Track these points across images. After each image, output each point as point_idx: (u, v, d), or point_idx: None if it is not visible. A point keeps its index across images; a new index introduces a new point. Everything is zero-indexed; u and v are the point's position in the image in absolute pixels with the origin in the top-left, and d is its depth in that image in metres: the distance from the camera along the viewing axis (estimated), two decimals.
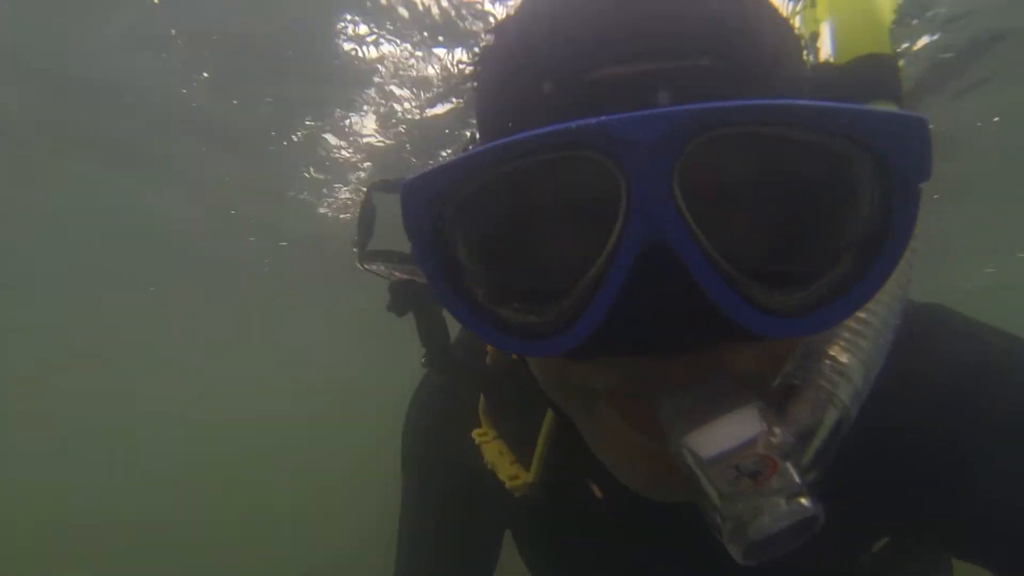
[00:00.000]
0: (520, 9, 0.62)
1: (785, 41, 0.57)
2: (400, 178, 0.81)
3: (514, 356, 0.81)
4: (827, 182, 0.50)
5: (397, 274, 0.92)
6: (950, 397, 0.71)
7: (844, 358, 0.54)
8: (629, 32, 0.51)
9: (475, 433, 0.94)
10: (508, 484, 0.86)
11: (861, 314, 0.56)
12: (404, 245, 0.60)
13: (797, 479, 0.47)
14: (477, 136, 0.69)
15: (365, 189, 0.94)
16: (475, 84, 0.67)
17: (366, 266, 0.94)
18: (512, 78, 0.57)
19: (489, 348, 0.95)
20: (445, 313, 0.88)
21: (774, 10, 0.59)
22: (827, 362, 0.54)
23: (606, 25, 0.52)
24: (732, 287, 0.48)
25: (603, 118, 0.45)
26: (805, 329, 0.50)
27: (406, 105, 4.91)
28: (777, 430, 0.50)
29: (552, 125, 0.46)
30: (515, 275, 0.56)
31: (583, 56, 0.52)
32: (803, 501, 0.46)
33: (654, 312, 0.48)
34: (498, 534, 1.15)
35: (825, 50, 0.68)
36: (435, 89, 4.61)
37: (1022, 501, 0.65)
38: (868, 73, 0.62)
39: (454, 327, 0.91)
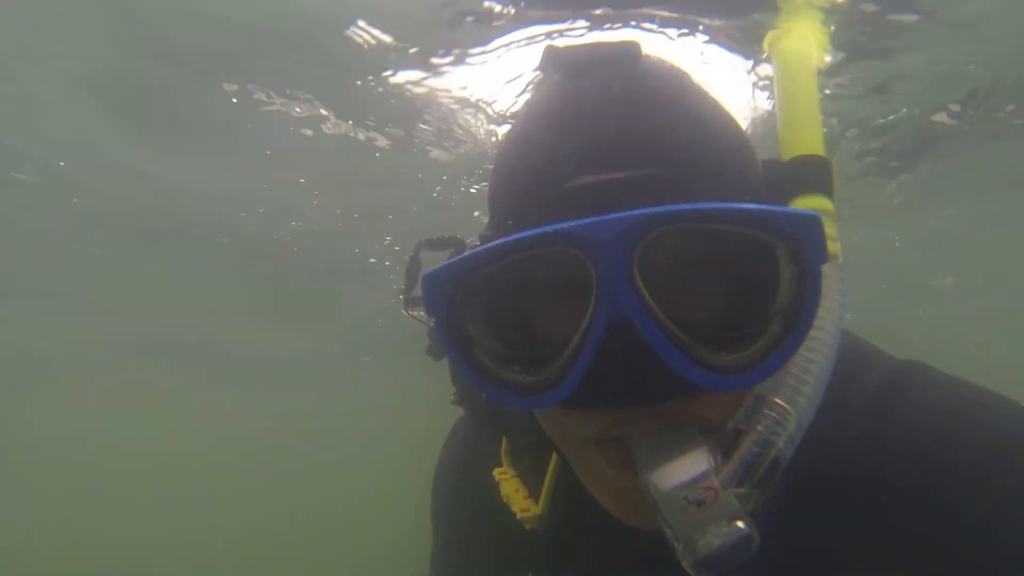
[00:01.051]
0: (518, 123, 0.77)
1: (733, 146, 0.71)
2: (441, 237, 0.97)
3: None
4: (751, 265, 0.63)
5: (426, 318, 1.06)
6: (919, 452, 0.74)
7: (784, 405, 0.65)
8: (598, 147, 0.66)
9: (496, 472, 1.04)
10: (520, 515, 0.96)
11: (800, 362, 0.67)
12: None
13: (736, 505, 0.58)
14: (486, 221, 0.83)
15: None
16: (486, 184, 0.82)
17: (410, 312, 1.08)
18: (509, 183, 0.72)
19: None
20: None
21: (727, 120, 0.73)
22: (767, 411, 0.65)
23: (580, 144, 0.67)
24: (682, 351, 0.60)
25: (572, 223, 0.59)
26: (744, 382, 0.62)
27: None
28: (723, 468, 0.61)
29: (536, 228, 0.60)
30: (512, 345, 0.69)
31: (562, 169, 0.66)
32: (740, 524, 0.57)
33: (622, 373, 0.61)
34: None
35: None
36: None
37: (989, 555, 0.68)
38: (805, 170, 0.75)
39: None
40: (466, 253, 0.65)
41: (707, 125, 0.69)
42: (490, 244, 0.63)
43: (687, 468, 0.61)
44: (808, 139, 0.78)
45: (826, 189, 0.75)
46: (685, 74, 0.76)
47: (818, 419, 0.69)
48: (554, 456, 0.96)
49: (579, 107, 0.68)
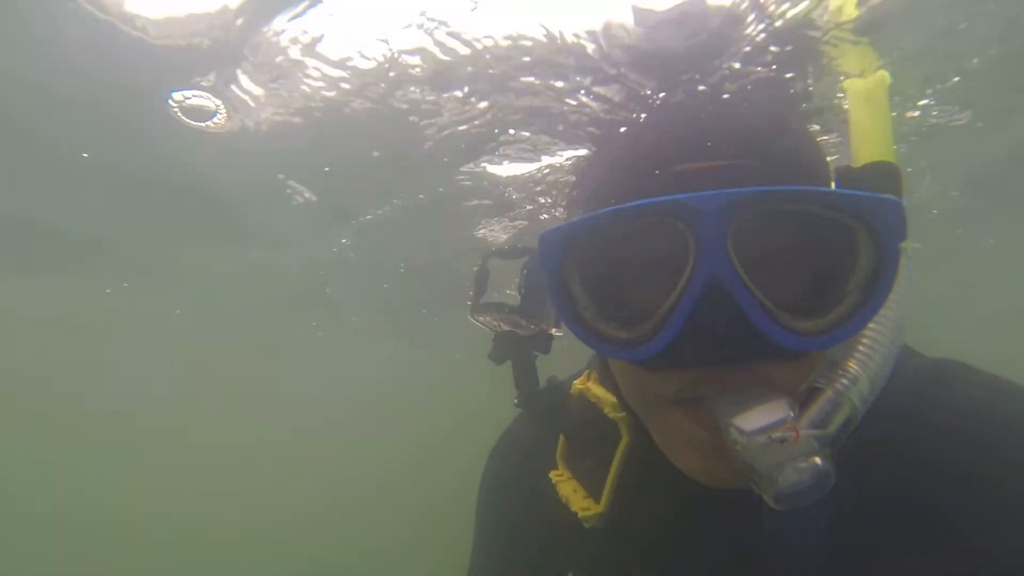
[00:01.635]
0: (627, 120, 0.89)
1: (813, 147, 0.81)
2: (514, 246, 1.08)
3: (604, 372, 0.99)
4: (835, 242, 0.72)
5: (503, 327, 1.13)
6: (961, 433, 0.81)
7: (856, 368, 0.74)
8: (698, 140, 0.77)
9: (552, 474, 1.09)
10: (581, 515, 1.01)
11: (870, 334, 0.76)
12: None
13: (815, 445, 0.66)
14: (578, 197, 0.93)
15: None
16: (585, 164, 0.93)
17: (477, 318, 1.17)
18: (615, 170, 0.83)
19: (571, 393, 1.11)
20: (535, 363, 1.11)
21: (803, 125, 0.83)
22: (840, 372, 0.74)
23: (684, 135, 0.78)
24: (769, 315, 0.69)
25: (680, 195, 0.69)
26: (822, 345, 0.71)
27: None
28: (801, 416, 0.70)
29: (653, 198, 0.70)
30: (613, 303, 0.79)
31: (671, 156, 0.77)
32: (817, 460, 0.65)
33: (712, 334, 0.70)
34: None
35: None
36: None
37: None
38: (876, 174, 0.84)
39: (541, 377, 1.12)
40: (583, 216, 0.75)
41: (791, 126, 0.80)
42: (606, 209, 0.72)
43: (770, 412, 0.69)
44: (879, 147, 0.88)
45: (896, 190, 0.84)
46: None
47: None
48: (617, 456, 1.01)
49: (684, 104, 0.80)
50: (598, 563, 1.13)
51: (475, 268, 1.18)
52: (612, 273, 0.79)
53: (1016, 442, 0.79)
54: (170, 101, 3.27)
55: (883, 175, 0.84)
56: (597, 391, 1.05)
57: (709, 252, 0.69)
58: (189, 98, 3.24)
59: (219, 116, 3.40)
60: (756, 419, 0.69)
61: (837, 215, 0.70)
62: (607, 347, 0.77)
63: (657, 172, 0.76)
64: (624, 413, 0.99)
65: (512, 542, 1.25)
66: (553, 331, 1.12)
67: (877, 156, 0.87)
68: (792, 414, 0.69)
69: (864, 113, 0.95)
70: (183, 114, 3.38)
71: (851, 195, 0.69)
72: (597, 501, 1.01)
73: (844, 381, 0.74)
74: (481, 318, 1.16)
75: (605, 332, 0.77)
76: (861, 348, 0.76)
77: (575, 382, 1.12)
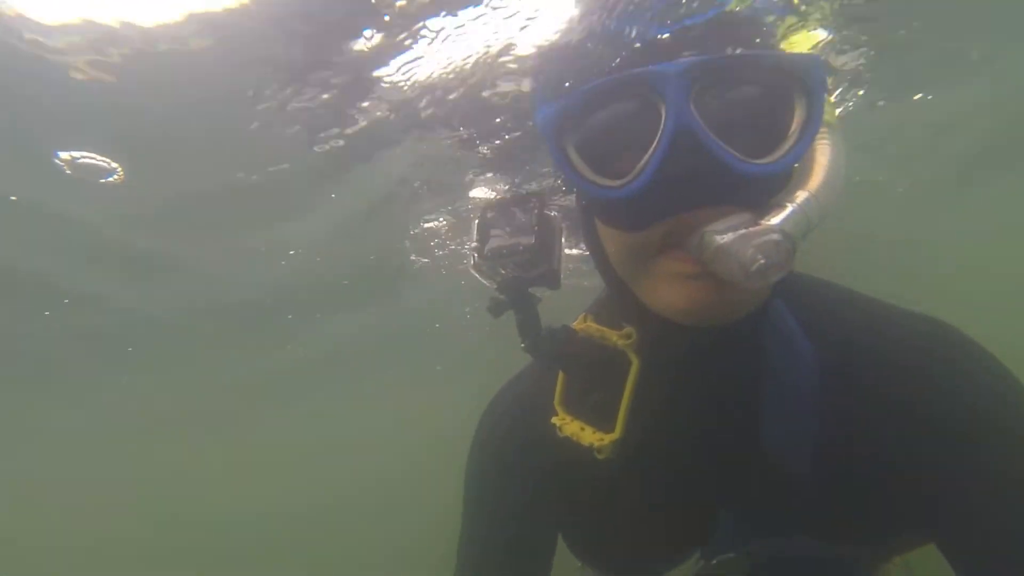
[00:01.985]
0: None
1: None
2: (516, 194, 1.26)
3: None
4: (778, 93, 0.91)
5: (504, 272, 1.27)
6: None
7: (806, 193, 0.92)
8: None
9: (554, 420, 1.16)
10: (596, 445, 1.08)
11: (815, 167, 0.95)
12: None
13: (774, 226, 0.83)
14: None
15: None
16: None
17: (482, 267, 1.29)
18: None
19: (573, 332, 1.20)
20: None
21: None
22: (788, 203, 0.91)
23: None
24: (728, 150, 0.86)
25: (649, 67, 0.87)
26: (772, 170, 0.88)
27: None
28: (764, 218, 0.86)
29: (626, 71, 0.89)
30: (603, 158, 0.95)
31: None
32: (777, 236, 0.81)
33: (684, 177, 0.86)
34: (552, 539, 1.32)
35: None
36: None
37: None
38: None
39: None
40: (570, 93, 0.92)
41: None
42: (595, 82, 0.90)
43: (737, 219, 0.86)
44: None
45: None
46: None
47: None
48: (630, 381, 1.10)
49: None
50: (611, 494, 1.21)
51: (475, 219, 1.32)
52: (600, 135, 0.95)
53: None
54: None
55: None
56: (598, 327, 1.15)
57: (676, 105, 0.86)
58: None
59: None
60: (724, 224, 0.85)
61: (777, 74, 0.90)
62: (601, 191, 0.93)
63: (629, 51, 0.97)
64: (632, 340, 1.10)
65: (505, 506, 1.30)
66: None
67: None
68: (753, 218, 0.86)
69: None
70: None
71: (786, 56, 0.90)
72: (607, 432, 1.09)
73: (799, 197, 0.91)
74: (486, 266, 1.28)
75: (598, 182, 0.94)
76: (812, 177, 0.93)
77: (573, 324, 1.20)
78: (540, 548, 1.31)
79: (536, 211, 1.26)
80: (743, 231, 0.83)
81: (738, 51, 0.91)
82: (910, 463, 1.02)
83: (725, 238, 0.83)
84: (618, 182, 0.92)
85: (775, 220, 0.87)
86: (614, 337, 1.12)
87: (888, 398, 1.04)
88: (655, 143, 0.88)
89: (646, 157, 0.89)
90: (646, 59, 0.94)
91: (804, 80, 0.89)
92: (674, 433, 1.13)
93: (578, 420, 1.14)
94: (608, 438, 1.08)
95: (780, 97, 0.91)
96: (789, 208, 0.89)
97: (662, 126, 0.87)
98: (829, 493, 1.08)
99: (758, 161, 0.88)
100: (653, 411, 1.11)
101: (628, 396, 1.09)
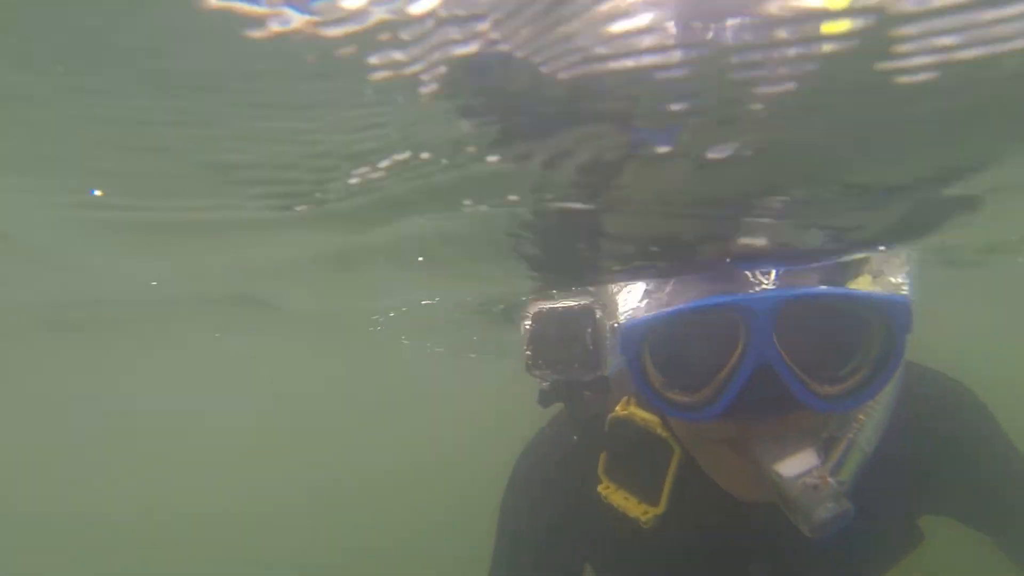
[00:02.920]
0: None
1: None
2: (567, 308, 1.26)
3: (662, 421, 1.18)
4: (862, 333, 0.94)
5: (556, 376, 1.30)
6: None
7: (863, 419, 0.97)
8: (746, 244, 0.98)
9: (600, 488, 1.26)
10: (642, 519, 1.20)
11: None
12: None
13: (838, 488, 0.90)
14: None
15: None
16: None
17: (533, 374, 1.31)
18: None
19: (617, 418, 1.28)
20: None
21: None
22: (853, 423, 0.97)
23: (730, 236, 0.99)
24: (804, 386, 0.91)
25: (738, 297, 0.90)
26: (842, 408, 0.94)
27: None
28: (826, 462, 0.92)
29: (709, 298, 0.91)
30: (680, 376, 1.00)
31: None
32: (843, 501, 0.89)
33: (760, 397, 0.92)
34: (578, 567, 1.42)
35: None
36: None
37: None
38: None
39: None
40: (658, 313, 0.95)
41: None
42: (676, 309, 0.93)
43: (803, 460, 0.92)
44: None
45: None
46: None
47: None
48: (672, 465, 1.20)
49: None
50: (651, 553, 1.32)
51: (526, 325, 1.33)
52: (679, 353, 1.00)
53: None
54: None
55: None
56: (643, 415, 1.24)
57: (760, 341, 0.90)
58: None
59: None
60: (792, 466, 0.92)
61: (864, 314, 0.92)
62: (674, 410, 0.99)
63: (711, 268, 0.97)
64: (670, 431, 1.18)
65: (541, 547, 1.40)
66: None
67: None
68: (819, 462, 0.92)
69: None
70: None
71: (872, 297, 0.92)
72: (651, 505, 1.21)
73: (855, 431, 0.97)
74: (539, 373, 1.31)
75: (673, 399, 0.99)
76: (868, 403, 0.98)
77: (616, 408, 1.28)
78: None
79: (590, 330, 1.29)
80: (810, 484, 0.89)
81: (824, 287, 0.92)
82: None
83: (792, 490, 0.90)
84: (690, 399, 0.97)
85: (838, 467, 0.94)
86: (658, 429, 1.22)
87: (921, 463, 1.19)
88: (735, 371, 0.92)
89: (724, 383, 0.94)
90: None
91: (890, 323, 0.92)
92: (710, 508, 1.23)
93: (622, 490, 1.26)
94: (652, 511, 1.21)
95: (863, 337, 0.94)
96: (850, 446, 0.95)
97: (744, 357, 0.91)
98: (853, 546, 1.20)
99: (833, 397, 0.93)
100: (692, 490, 1.22)
101: (671, 479, 1.21)
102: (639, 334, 0.96)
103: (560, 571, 1.42)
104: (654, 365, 0.99)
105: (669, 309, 0.94)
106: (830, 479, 0.90)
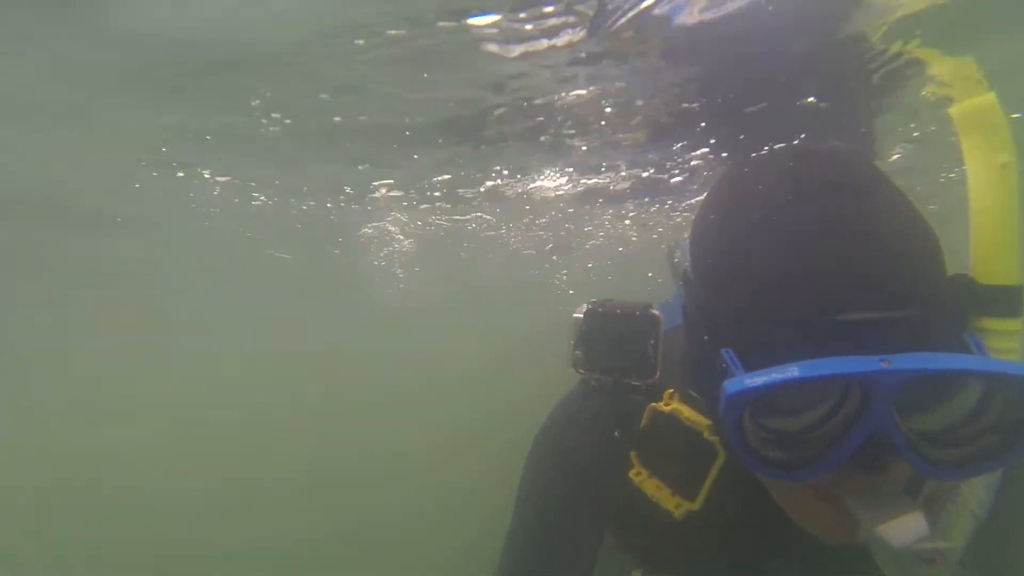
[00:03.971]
0: (766, 246, 0.90)
1: (945, 276, 0.90)
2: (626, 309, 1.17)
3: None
4: (985, 407, 0.85)
5: (599, 376, 1.24)
6: None
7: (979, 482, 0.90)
8: (857, 287, 0.83)
9: (632, 473, 1.23)
10: (675, 511, 1.18)
11: None
12: None
13: (953, 565, 0.82)
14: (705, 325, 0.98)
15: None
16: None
17: (577, 370, 1.26)
18: (771, 308, 0.88)
19: (659, 411, 1.21)
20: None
21: (937, 243, 0.90)
22: (965, 486, 0.89)
23: (840, 281, 0.84)
24: (918, 453, 0.83)
25: (864, 370, 0.78)
26: (962, 477, 0.86)
27: None
28: (935, 529, 0.85)
29: (831, 364, 0.79)
30: (779, 436, 0.91)
31: (833, 303, 0.83)
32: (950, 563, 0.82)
33: (871, 461, 0.84)
34: (599, 534, 1.38)
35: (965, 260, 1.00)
36: None
37: None
38: (1001, 297, 0.95)
39: None
40: (771, 380, 0.82)
41: (933, 259, 0.89)
42: (791, 377, 0.80)
43: (912, 528, 0.84)
44: (1006, 269, 0.96)
45: (1017, 313, 0.95)
46: (905, 197, 0.93)
47: None
48: (715, 469, 1.15)
49: (833, 239, 0.85)
50: (676, 539, 1.30)
51: (578, 320, 1.24)
52: (782, 414, 0.90)
53: None
54: None
55: (1008, 298, 0.95)
56: (688, 414, 1.17)
57: (879, 413, 0.81)
58: None
59: None
60: (901, 533, 0.84)
61: (990, 388, 0.83)
62: (770, 471, 0.90)
63: (817, 322, 0.84)
64: (719, 436, 1.13)
65: (563, 509, 1.35)
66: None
67: (1004, 279, 0.96)
68: (930, 530, 0.85)
69: (988, 212, 0.99)
70: None
71: (1007, 374, 0.80)
72: (686, 499, 1.19)
73: (964, 492, 0.89)
74: (585, 372, 1.25)
75: (769, 457, 0.90)
76: None
77: (662, 405, 1.20)
78: (589, 557, 1.40)
79: (653, 341, 1.19)
80: (923, 559, 0.83)
81: (952, 358, 0.80)
82: None
83: (901, 562, 0.84)
84: (788, 457, 0.89)
85: (950, 533, 0.87)
86: (705, 432, 1.16)
87: None
88: (846, 438, 0.84)
89: (830, 447, 0.85)
90: (839, 330, 0.84)
91: (1019, 399, 0.82)
92: (744, 508, 1.21)
93: (655, 478, 1.23)
94: (686, 505, 1.19)
95: (986, 410, 0.85)
96: (963, 514, 0.88)
97: (857, 425, 0.83)
98: None
99: (952, 464, 0.85)
100: (729, 491, 1.19)
101: (712, 482, 1.17)
102: (743, 401, 0.85)
103: (581, 536, 1.37)
104: (754, 423, 0.90)
105: (783, 377, 0.81)
106: (946, 552, 0.83)
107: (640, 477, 1.23)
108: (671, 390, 1.20)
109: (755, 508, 1.16)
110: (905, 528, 0.84)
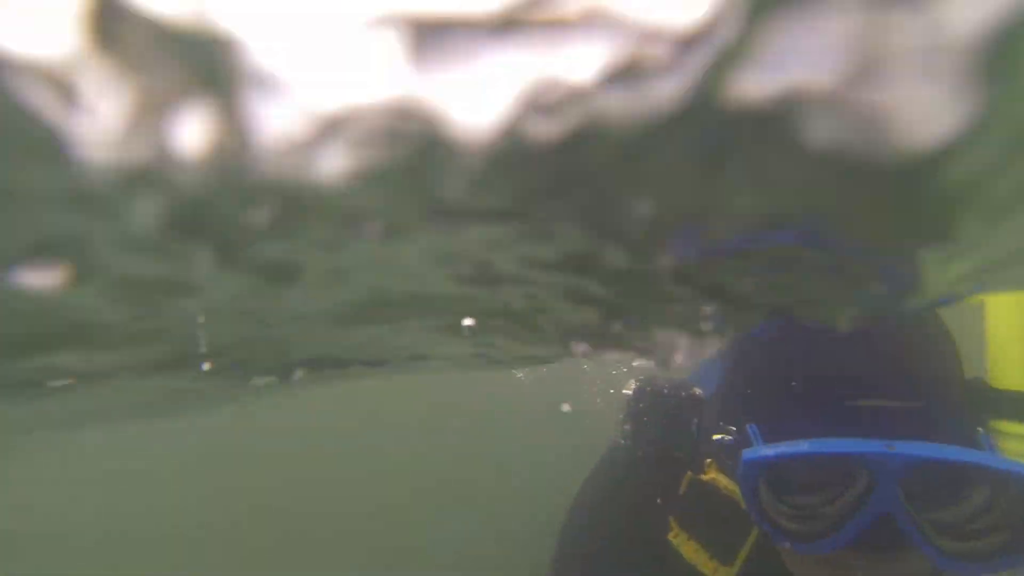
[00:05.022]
0: (784, 345, 1.05)
1: (958, 374, 1.00)
2: (673, 389, 1.27)
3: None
4: (990, 501, 0.92)
5: (645, 448, 1.31)
6: None
7: None
8: (871, 376, 0.95)
9: (671, 536, 1.28)
10: (711, 573, 1.22)
11: None
12: None
13: None
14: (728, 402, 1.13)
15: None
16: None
17: (626, 444, 1.33)
18: (795, 391, 1.00)
19: (685, 483, 1.31)
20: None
21: (950, 340, 1.02)
22: None
23: (857, 371, 0.96)
24: (924, 538, 0.90)
25: (873, 451, 0.88)
26: (971, 572, 0.93)
27: None
28: None
29: (838, 444, 0.90)
30: (795, 508, 1.00)
31: (848, 390, 0.95)
32: None
33: (876, 542, 0.91)
34: None
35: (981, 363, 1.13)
36: None
37: None
38: (1015, 402, 1.04)
39: None
40: (785, 451, 0.94)
41: (947, 359, 1.00)
42: (800, 451, 0.93)
43: None
44: (1020, 376, 1.05)
45: None
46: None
47: None
48: (752, 537, 1.22)
49: (857, 335, 0.97)
50: None
51: (627, 397, 1.35)
52: (795, 486, 1.00)
53: None
54: None
55: (1021, 403, 1.06)
56: (726, 483, 1.23)
57: (884, 495, 0.89)
58: None
59: None
60: None
61: (997, 482, 0.91)
62: (785, 539, 0.99)
63: (837, 407, 0.95)
64: None
65: (602, 562, 1.41)
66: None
67: (1018, 384, 1.05)
68: None
69: (1002, 313, 1.10)
70: None
71: (1013, 472, 0.88)
72: (723, 564, 1.24)
73: None
74: (632, 444, 1.33)
75: (786, 527, 0.99)
76: None
77: (703, 476, 1.26)
78: None
79: (696, 420, 1.30)
80: None
81: (956, 451, 0.88)
82: None
83: None
84: (805, 530, 0.97)
85: None
86: (742, 501, 1.23)
87: None
88: (854, 515, 0.92)
89: (841, 524, 0.93)
90: (852, 415, 0.95)
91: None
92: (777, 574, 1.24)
93: (693, 541, 1.29)
94: (724, 570, 1.23)
95: (995, 507, 0.92)
96: None
97: (866, 505, 0.91)
98: None
99: (957, 560, 0.91)
100: (765, 558, 1.21)
101: (749, 549, 1.23)
102: (758, 468, 0.97)
103: None
104: (771, 493, 1.00)
105: (793, 450, 0.93)
106: None
107: (679, 539, 1.28)
108: (710, 460, 1.28)
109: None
110: None
